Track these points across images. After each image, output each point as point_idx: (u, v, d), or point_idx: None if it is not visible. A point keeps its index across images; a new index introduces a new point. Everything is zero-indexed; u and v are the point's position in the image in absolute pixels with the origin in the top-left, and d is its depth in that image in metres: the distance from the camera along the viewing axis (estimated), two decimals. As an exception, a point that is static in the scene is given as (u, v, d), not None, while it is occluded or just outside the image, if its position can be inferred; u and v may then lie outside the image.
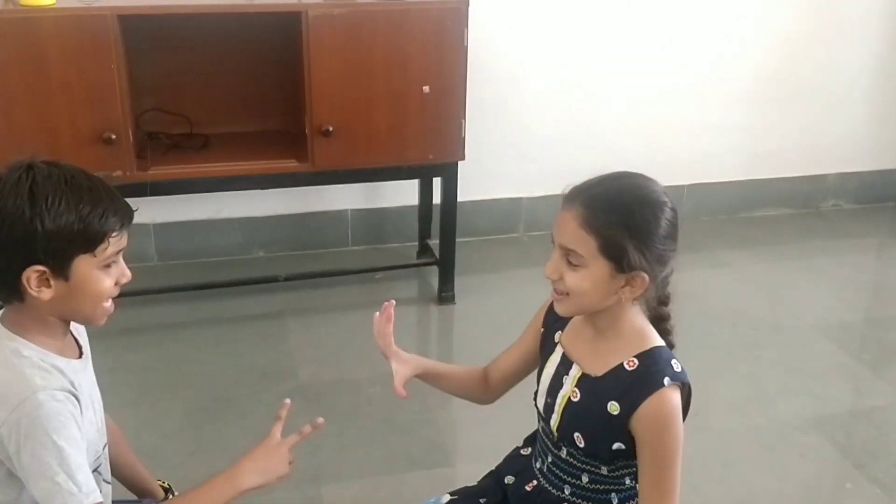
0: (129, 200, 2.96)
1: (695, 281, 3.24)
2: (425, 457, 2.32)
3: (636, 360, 1.42)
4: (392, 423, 2.44)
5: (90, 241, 1.27)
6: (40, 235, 1.24)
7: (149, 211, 3.18)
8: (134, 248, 3.27)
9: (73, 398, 1.32)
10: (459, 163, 2.90)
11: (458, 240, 3.07)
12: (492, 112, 3.38)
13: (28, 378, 1.28)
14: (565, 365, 1.51)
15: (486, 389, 1.72)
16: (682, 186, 3.75)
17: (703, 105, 3.68)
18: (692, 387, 1.43)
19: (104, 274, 1.31)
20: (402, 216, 3.46)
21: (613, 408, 1.42)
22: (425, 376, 1.76)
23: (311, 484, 2.20)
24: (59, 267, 1.28)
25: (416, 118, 2.78)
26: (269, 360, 2.73)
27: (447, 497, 1.70)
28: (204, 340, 2.84)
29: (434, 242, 3.19)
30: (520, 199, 3.61)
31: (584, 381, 1.47)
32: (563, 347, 1.54)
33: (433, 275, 3.18)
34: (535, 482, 1.61)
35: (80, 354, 1.44)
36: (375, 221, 3.48)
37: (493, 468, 1.72)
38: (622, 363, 1.42)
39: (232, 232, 3.35)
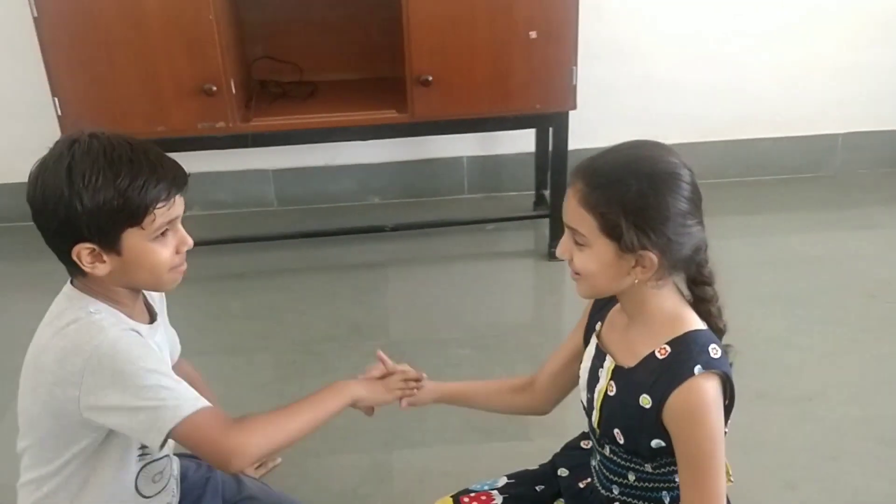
0: (235, 152, 3.02)
1: (832, 243, 2.93)
2: (503, 429, 2.22)
3: (668, 348, 1.30)
4: (474, 388, 2.36)
5: (134, 215, 1.24)
6: (81, 214, 1.22)
7: (268, 157, 3.24)
8: (254, 193, 3.38)
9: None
10: (578, 108, 2.71)
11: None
12: (610, 54, 3.14)
13: (97, 323, 1.27)
14: (599, 357, 1.41)
15: (534, 397, 1.62)
16: (836, 136, 3.36)
17: (853, 40, 3.25)
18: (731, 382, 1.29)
19: (158, 245, 1.29)
20: (520, 164, 3.31)
21: (645, 401, 1.30)
22: (450, 400, 1.68)
23: (383, 449, 2.17)
24: (108, 242, 1.26)
25: (521, 66, 2.62)
26: (363, 313, 2.71)
27: (504, 480, 1.63)
28: (305, 289, 2.86)
29: (552, 192, 3.04)
30: (649, 146, 3.36)
31: (617, 374, 1.37)
32: (597, 339, 1.43)
33: (547, 227, 3.04)
34: (588, 479, 1.52)
35: (152, 320, 1.43)
36: (492, 169, 3.36)
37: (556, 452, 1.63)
38: (653, 351, 1.31)
39: (347, 178, 3.34)
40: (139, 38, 2.49)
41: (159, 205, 1.26)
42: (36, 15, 2.44)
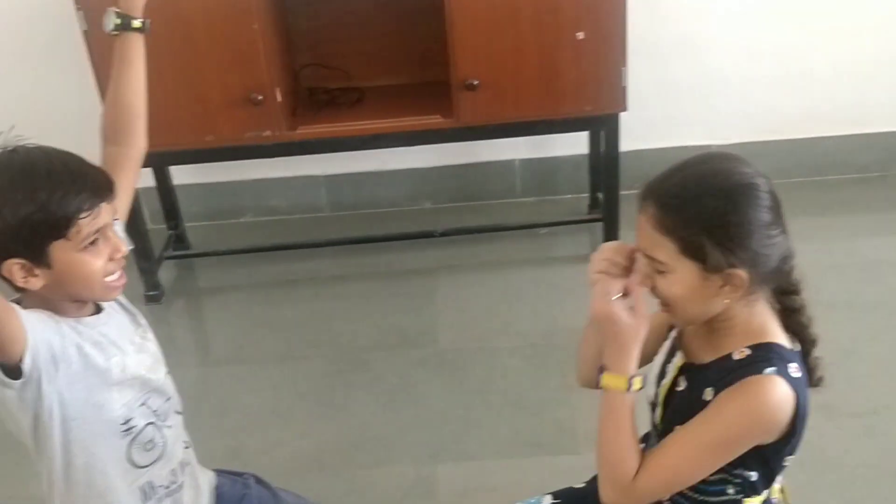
0: (286, 158, 3.01)
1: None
2: (552, 442, 2.18)
3: (748, 350, 1.25)
4: (523, 401, 2.31)
5: (56, 227, 1.22)
6: (4, 230, 1.21)
7: (320, 163, 3.24)
8: (306, 199, 3.38)
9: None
10: (631, 108, 2.63)
11: (635, 192, 2.80)
12: (663, 52, 3.04)
13: None
14: (672, 353, 1.37)
15: None
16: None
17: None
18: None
19: (89, 255, 1.26)
20: (574, 166, 3.24)
21: (708, 394, 1.26)
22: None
23: (428, 461, 2.15)
24: (36, 256, 1.24)
25: (569, 68, 2.56)
26: (412, 321, 2.68)
27: (549, 499, 1.58)
28: (355, 296, 2.85)
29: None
30: (710, 146, 3.25)
31: (689, 370, 1.32)
32: (675, 333, 1.39)
33: (602, 231, 2.96)
34: None
35: (97, 311, 1.38)
36: (545, 172, 3.30)
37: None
38: (732, 352, 1.26)
39: (398, 183, 3.31)
40: (186, 48, 2.50)
41: (82, 215, 1.23)
42: (86, 28, 2.48)
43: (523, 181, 3.30)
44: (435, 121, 2.64)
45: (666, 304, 1.26)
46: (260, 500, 1.63)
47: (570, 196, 3.30)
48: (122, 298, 1.44)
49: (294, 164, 3.20)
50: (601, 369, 1.29)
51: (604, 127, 2.69)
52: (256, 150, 2.67)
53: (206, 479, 1.55)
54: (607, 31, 2.52)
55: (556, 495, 1.58)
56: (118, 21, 1.52)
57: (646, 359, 1.42)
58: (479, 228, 3.04)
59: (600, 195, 3.07)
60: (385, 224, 3.22)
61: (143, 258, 2.79)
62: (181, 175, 3.12)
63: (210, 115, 2.59)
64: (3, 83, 3.11)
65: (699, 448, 1.24)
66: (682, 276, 1.21)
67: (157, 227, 3.17)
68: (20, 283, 1.26)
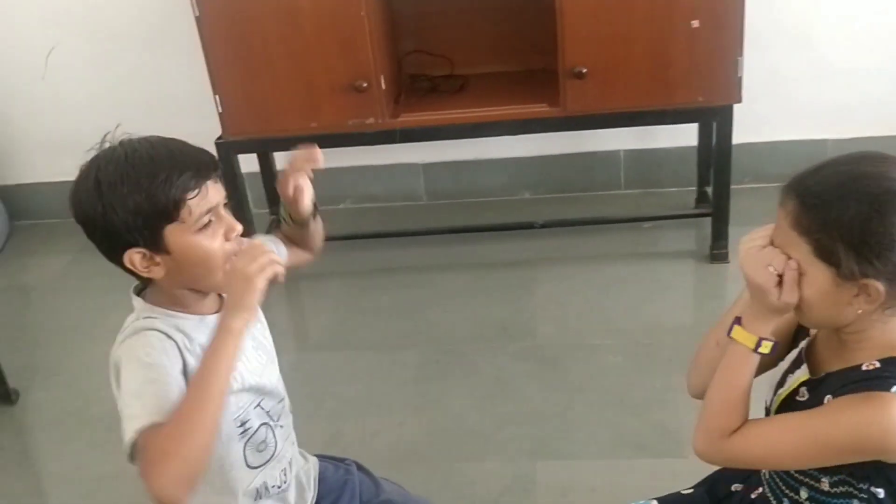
0: (383, 148, 3.00)
1: None
2: (655, 444, 2.10)
3: (878, 363, 1.16)
4: (626, 400, 2.24)
5: (166, 212, 1.22)
6: (118, 222, 1.21)
7: (418, 151, 3.22)
8: (404, 187, 3.37)
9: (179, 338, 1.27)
10: (744, 100, 2.52)
11: (745, 186, 2.72)
12: (779, 41, 2.92)
13: (139, 324, 1.27)
14: (797, 364, 1.29)
15: None
16: None
17: None
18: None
19: (204, 236, 1.25)
20: (682, 158, 3.13)
21: (827, 401, 1.18)
22: None
23: (527, 458, 2.10)
24: (154, 243, 1.24)
25: (682, 57, 2.46)
26: (511, 313, 2.64)
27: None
28: (452, 286, 2.82)
29: (715, 189, 2.86)
30: (825, 140, 3.10)
31: (810, 382, 1.25)
32: (804, 344, 1.31)
33: (710, 227, 2.86)
34: (760, 489, 1.39)
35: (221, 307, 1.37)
36: (651, 163, 3.20)
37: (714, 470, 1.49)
38: (861, 364, 1.17)
39: (498, 173, 3.27)
40: (294, 36, 2.51)
41: (189, 195, 1.21)
42: (197, 14, 2.50)
43: (627, 173, 3.22)
44: (540, 109, 2.58)
45: (796, 305, 1.18)
46: (362, 487, 1.62)
47: (675, 189, 3.19)
48: None
49: (393, 152, 3.18)
50: (737, 320, 1.23)
51: (716, 118, 2.58)
52: (358, 138, 2.66)
53: (311, 466, 1.55)
54: (723, 19, 2.42)
55: (662, 501, 1.52)
56: (285, 217, 1.51)
57: (769, 365, 1.34)
58: (580, 221, 2.97)
59: (708, 189, 2.96)
60: (483, 214, 3.18)
61: (246, 242, 2.82)
62: (283, 161, 3.13)
63: (315, 103, 2.59)
64: (115, 65, 3.20)
65: (803, 436, 1.18)
66: (815, 278, 1.14)
67: (256, 212, 3.21)
68: (143, 272, 1.27)
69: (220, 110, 2.61)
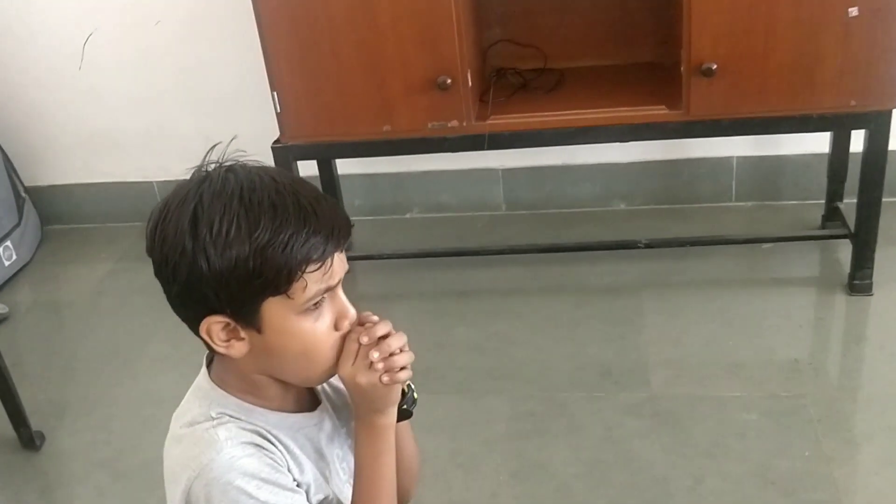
0: (466, 155, 2.61)
1: None
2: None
3: None
4: (769, 473, 1.83)
5: (275, 281, 0.90)
6: (207, 275, 0.89)
7: (497, 155, 2.83)
8: (480, 194, 2.96)
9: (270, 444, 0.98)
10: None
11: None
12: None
13: (212, 434, 0.96)
14: None
15: None
16: None
17: None
18: None
19: (309, 319, 0.94)
20: (806, 168, 2.71)
21: None
22: None
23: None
24: (244, 315, 0.92)
25: (834, 52, 2.04)
26: (615, 354, 2.23)
27: None
28: (540, 317, 2.42)
29: (848, 203, 2.43)
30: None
31: None
32: None
33: (843, 250, 2.43)
34: None
35: (316, 406, 1.07)
36: (768, 173, 2.77)
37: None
38: None
39: (588, 180, 2.86)
40: (365, 26, 2.12)
41: (311, 267, 0.91)
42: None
43: (739, 182, 2.79)
44: (657, 112, 2.17)
45: None
46: None
47: (794, 202, 2.77)
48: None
49: (467, 156, 2.77)
50: None
51: (870, 125, 2.15)
52: (439, 144, 2.27)
53: None
54: (889, 7, 1.99)
55: None
56: None
57: None
58: (692, 240, 2.56)
59: (841, 205, 2.54)
60: (572, 228, 2.79)
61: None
62: (343, 164, 2.77)
63: (389, 102, 2.21)
64: (158, 56, 2.85)
65: None
66: None
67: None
68: (220, 347, 0.94)
69: (279, 110, 2.24)
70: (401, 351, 0.98)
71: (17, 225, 2.92)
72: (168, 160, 2.92)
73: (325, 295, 0.94)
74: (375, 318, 1.00)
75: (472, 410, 2.12)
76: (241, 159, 0.94)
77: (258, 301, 0.91)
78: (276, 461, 0.97)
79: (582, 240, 2.67)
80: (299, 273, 0.90)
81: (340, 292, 0.96)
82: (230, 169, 0.92)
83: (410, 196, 2.97)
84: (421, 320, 2.47)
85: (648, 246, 2.51)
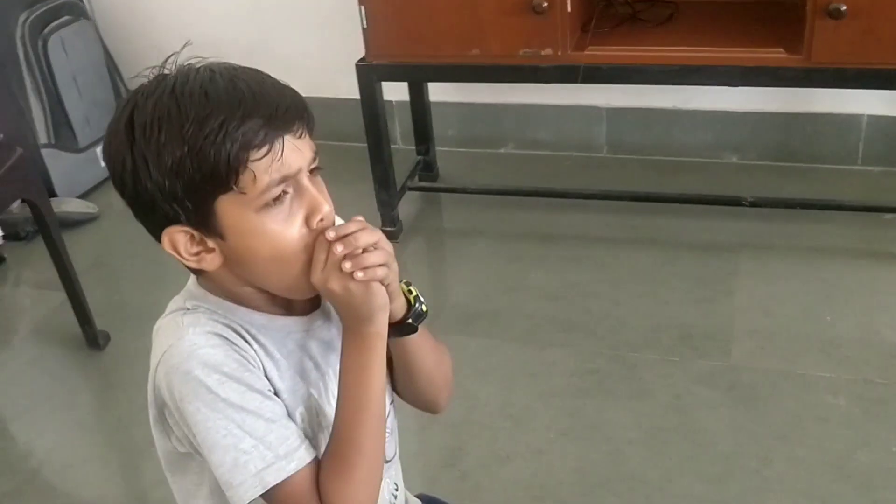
0: (568, 89, 2.45)
1: None
2: None
3: None
4: (847, 465, 1.64)
5: (217, 174, 0.80)
6: (153, 183, 0.82)
7: (603, 92, 2.65)
8: (581, 134, 2.78)
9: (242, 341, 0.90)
10: None
11: None
12: None
13: (179, 321, 0.89)
14: None
15: None
16: None
17: None
18: None
19: (271, 216, 0.84)
20: (947, 132, 2.42)
21: None
22: None
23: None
24: (202, 220, 0.84)
25: None
26: (699, 317, 2.06)
27: None
28: (624, 270, 2.26)
29: None
30: None
31: None
32: None
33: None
34: None
35: (312, 308, 0.97)
36: (902, 135, 2.49)
37: None
38: None
39: (700, 128, 2.65)
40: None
41: (254, 155, 0.81)
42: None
43: (868, 144, 2.52)
44: (775, 55, 1.95)
45: None
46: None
47: (929, 171, 2.48)
48: None
49: (571, 91, 2.59)
50: None
51: None
52: (530, 73, 2.12)
53: None
54: None
55: None
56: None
57: None
58: (802, 202, 2.32)
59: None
60: (676, 178, 2.59)
61: (384, 188, 2.36)
62: (437, 91, 2.65)
63: (479, 24, 2.07)
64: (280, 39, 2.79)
65: None
66: None
67: (403, 148, 2.76)
68: (190, 261, 0.87)
69: (365, 26, 2.13)
70: (375, 249, 0.86)
71: (116, 127, 2.95)
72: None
73: (288, 188, 0.84)
74: (360, 218, 0.88)
75: (533, 361, 2.00)
76: (193, 63, 0.84)
77: (210, 201, 0.82)
78: (246, 358, 0.88)
79: (683, 191, 2.48)
80: (242, 163, 0.80)
81: (308, 184, 0.85)
82: (180, 69, 0.84)
83: (506, 130, 2.82)
84: (496, 261, 2.35)
85: (754, 205, 2.31)
